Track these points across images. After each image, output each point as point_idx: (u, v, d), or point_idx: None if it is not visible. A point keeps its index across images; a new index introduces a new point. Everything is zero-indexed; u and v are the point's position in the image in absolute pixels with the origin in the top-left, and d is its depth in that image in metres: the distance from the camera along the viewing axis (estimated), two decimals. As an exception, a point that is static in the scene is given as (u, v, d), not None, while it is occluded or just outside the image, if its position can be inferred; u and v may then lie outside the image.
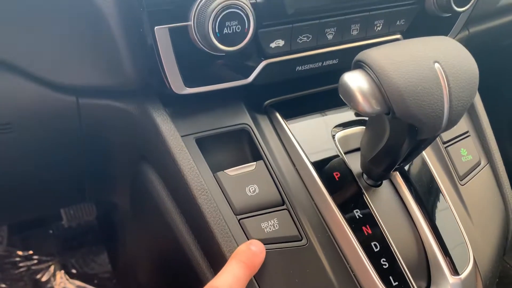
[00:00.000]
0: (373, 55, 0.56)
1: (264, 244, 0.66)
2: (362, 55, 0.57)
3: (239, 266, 0.61)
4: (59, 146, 0.78)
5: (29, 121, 0.70)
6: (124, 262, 1.32)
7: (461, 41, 0.96)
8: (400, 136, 0.60)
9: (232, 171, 0.70)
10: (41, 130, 0.73)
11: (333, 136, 0.78)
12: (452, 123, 0.57)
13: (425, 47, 0.56)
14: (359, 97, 0.55)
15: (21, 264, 1.55)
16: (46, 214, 1.56)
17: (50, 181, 0.91)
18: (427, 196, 0.77)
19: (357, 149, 0.75)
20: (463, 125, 0.90)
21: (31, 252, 1.57)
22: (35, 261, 1.56)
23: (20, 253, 1.56)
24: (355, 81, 0.55)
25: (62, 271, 1.55)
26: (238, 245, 0.65)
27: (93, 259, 1.60)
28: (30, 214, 1.25)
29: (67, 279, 1.54)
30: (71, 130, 0.75)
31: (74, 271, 1.56)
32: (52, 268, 1.55)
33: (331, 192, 0.71)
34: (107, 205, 1.28)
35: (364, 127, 0.71)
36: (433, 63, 0.55)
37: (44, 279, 1.52)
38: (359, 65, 0.57)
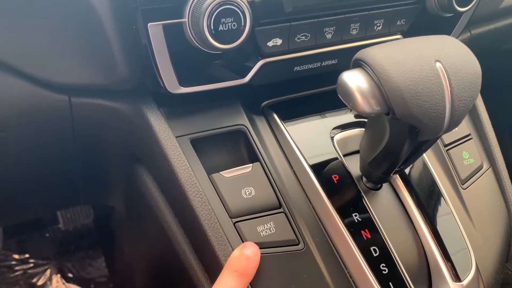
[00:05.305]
0: (372, 54, 0.54)
1: (260, 248, 0.65)
2: (361, 54, 0.55)
3: (233, 276, 0.60)
4: (51, 146, 0.77)
5: (20, 120, 0.69)
6: (121, 267, 1.31)
7: (463, 42, 0.95)
8: (400, 137, 0.59)
9: (227, 173, 0.69)
10: (33, 129, 0.72)
11: (332, 138, 0.76)
12: (454, 124, 0.55)
13: (427, 46, 0.55)
14: (358, 97, 0.53)
15: (17, 268, 1.53)
16: (41, 217, 1.54)
17: (43, 183, 0.89)
18: (428, 200, 0.76)
19: (357, 152, 0.74)
20: (465, 127, 0.88)
21: (27, 255, 1.56)
22: (31, 265, 1.55)
23: (16, 256, 1.55)
24: (354, 80, 0.54)
25: (59, 275, 1.54)
26: (233, 249, 0.64)
27: (90, 263, 1.59)
28: (24, 217, 1.24)
29: (63, 283, 1.53)
30: (64, 130, 0.73)
31: (70, 275, 1.55)
32: (48, 272, 1.54)
33: (329, 195, 0.70)
34: (104, 208, 1.27)
35: (364, 129, 0.69)
36: (434, 62, 0.53)
37: (40, 283, 1.51)
38: (358, 64, 0.55)
